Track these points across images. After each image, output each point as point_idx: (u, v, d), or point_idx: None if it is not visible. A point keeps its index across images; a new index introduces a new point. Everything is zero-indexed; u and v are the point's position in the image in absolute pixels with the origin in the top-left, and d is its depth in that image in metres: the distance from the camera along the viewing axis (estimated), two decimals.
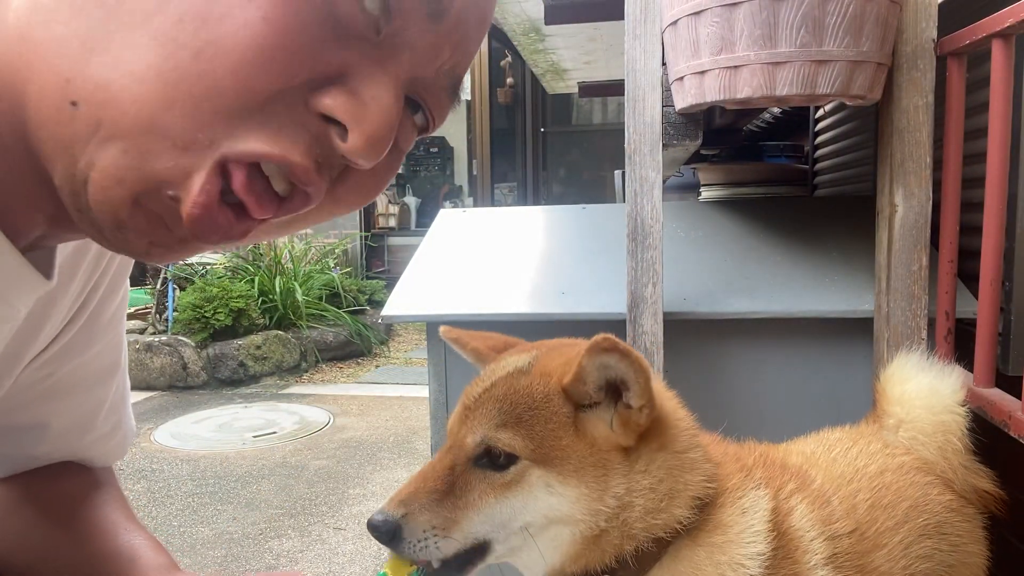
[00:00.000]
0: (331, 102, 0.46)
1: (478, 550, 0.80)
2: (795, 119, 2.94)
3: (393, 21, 0.47)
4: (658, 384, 0.88)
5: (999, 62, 1.16)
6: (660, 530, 0.79)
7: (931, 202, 1.36)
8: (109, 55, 0.43)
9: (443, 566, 0.79)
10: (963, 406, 1.09)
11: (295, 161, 0.47)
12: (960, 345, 1.35)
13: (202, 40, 0.42)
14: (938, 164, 1.35)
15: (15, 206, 0.51)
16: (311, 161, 0.47)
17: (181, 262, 5.17)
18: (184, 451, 3.63)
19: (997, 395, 1.19)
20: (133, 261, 0.81)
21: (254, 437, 3.84)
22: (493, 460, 0.78)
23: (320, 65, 0.45)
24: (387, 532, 0.76)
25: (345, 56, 0.46)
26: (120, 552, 0.77)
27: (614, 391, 0.80)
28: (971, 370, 1.25)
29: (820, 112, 2.71)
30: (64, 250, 0.66)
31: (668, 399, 0.88)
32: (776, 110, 2.77)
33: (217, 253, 5.83)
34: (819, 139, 2.73)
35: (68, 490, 0.82)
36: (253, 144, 0.45)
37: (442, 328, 0.97)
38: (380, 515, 0.77)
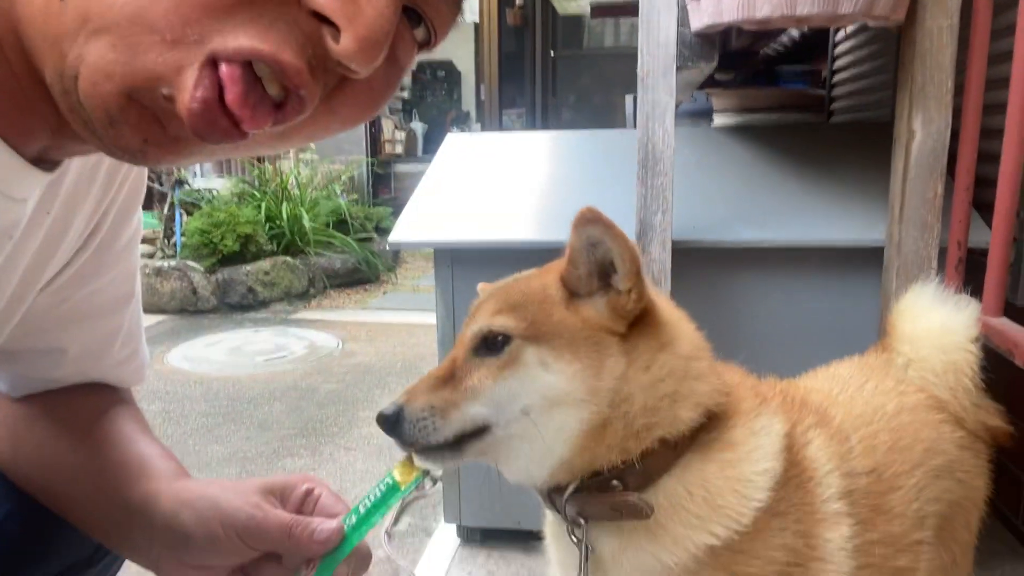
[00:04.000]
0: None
1: (477, 433, 0.81)
2: (813, 42, 2.85)
3: None
4: (661, 295, 0.89)
5: None
6: (664, 429, 0.80)
7: (950, 129, 1.33)
8: None
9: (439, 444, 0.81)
10: (976, 342, 1.07)
11: (286, 60, 0.46)
12: (969, 276, 1.34)
13: None
14: (959, 89, 1.31)
15: (11, 111, 0.50)
16: (303, 61, 0.47)
17: (177, 168, 5.11)
18: (197, 373, 3.70)
19: (1004, 324, 1.19)
20: (144, 189, 0.81)
21: (265, 361, 3.90)
22: (490, 346, 0.81)
23: None
24: (391, 417, 0.79)
25: None
26: (130, 460, 0.80)
27: (606, 281, 0.82)
28: (980, 300, 1.24)
29: (841, 35, 2.62)
30: (73, 175, 0.66)
31: (669, 305, 0.89)
32: (795, 32, 2.68)
33: (209, 163, 5.80)
34: (838, 63, 2.65)
35: (85, 405, 0.84)
36: (243, 40, 0.44)
37: (480, 285, 0.97)
38: (390, 407, 0.80)
